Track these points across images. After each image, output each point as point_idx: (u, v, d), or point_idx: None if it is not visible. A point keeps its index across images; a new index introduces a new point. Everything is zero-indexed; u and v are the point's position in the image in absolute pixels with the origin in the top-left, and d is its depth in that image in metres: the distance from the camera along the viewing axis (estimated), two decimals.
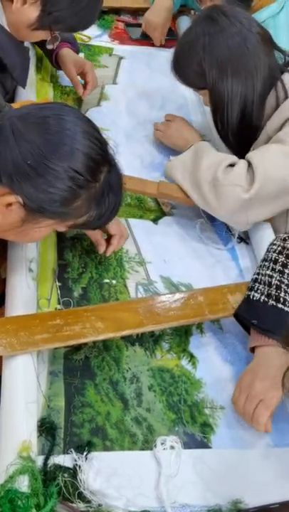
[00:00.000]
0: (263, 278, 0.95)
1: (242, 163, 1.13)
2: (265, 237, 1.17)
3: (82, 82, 1.48)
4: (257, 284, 0.96)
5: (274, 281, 0.93)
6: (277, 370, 0.86)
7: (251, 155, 1.15)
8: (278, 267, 0.95)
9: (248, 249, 1.20)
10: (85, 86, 1.47)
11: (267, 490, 0.83)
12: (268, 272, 0.95)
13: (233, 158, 1.17)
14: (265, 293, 0.93)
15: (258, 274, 0.97)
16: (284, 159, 1.11)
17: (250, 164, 1.13)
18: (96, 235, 1.08)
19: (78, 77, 1.46)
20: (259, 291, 0.94)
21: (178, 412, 0.91)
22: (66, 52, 1.46)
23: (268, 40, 1.20)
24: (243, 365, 0.99)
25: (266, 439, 0.90)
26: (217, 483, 0.83)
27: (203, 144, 1.25)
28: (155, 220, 1.24)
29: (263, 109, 1.20)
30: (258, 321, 0.92)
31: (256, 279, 0.97)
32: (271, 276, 0.94)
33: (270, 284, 0.93)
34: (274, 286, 0.93)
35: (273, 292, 0.92)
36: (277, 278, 0.93)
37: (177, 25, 1.89)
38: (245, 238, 1.23)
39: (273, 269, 0.95)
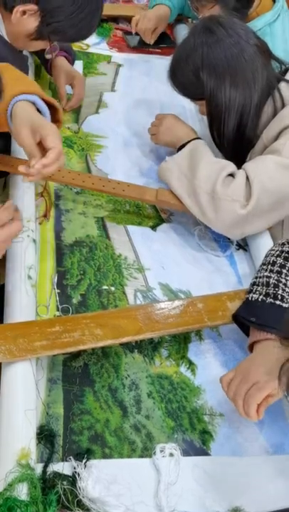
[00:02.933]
0: (260, 280, 0.96)
1: (241, 176, 1.12)
2: (264, 244, 1.18)
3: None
4: (255, 287, 0.96)
5: (272, 281, 0.93)
6: (275, 361, 0.83)
7: (247, 167, 1.14)
8: (276, 268, 0.95)
9: (247, 256, 1.21)
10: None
11: (266, 497, 0.83)
12: (266, 274, 0.95)
13: (231, 166, 1.16)
14: (263, 293, 0.93)
15: (256, 277, 0.98)
16: (280, 171, 1.11)
17: (247, 177, 1.12)
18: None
19: (66, 89, 1.46)
20: (257, 292, 0.94)
21: (177, 419, 0.91)
22: (60, 62, 1.46)
23: (265, 51, 1.21)
24: None
25: (265, 446, 0.90)
26: (216, 491, 0.83)
27: (198, 143, 1.23)
28: (154, 227, 1.24)
29: (259, 119, 1.21)
30: (256, 318, 0.91)
31: (254, 282, 0.97)
32: (269, 277, 0.94)
33: (268, 284, 0.94)
34: (272, 285, 0.93)
35: (271, 291, 0.92)
36: (275, 278, 0.94)
37: (175, 33, 1.91)
38: (243, 245, 1.23)
39: (271, 271, 0.95)
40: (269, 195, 1.10)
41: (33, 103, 1.01)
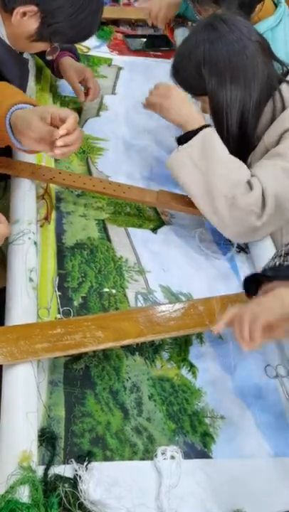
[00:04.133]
0: (278, 253, 0.91)
1: (258, 188, 1.10)
2: (264, 246, 1.18)
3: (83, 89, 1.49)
4: (272, 261, 0.91)
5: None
6: (286, 298, 0.81)
7: (259, 175, 1.12)
8: None
9: (248, 259, 1.21)
10: (87, 93, 1.48)
11: (268, 500, 0.83)
12: (284, 249, 0.91)
13: (246, 171, 1.14)
14: (283, 256, 0.88)
15: (273, 258, 0.92)
16: (287, 177, 1.11)
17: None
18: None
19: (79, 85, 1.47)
20: (276, 259, 0.89)
21: (178, 422, 0.91)
22: (67, 60, 1.47)
23: (266, 49, 1.22)
24: (243, 374, 0.99)
25: (266, 448, 0.90)
26: (218, 493, 0.83)
27: (210, 134, 1.18)
28: (154, 229, 1.24)
29: (259, 118, 1.21)
30: (273, 272, 0.87)
31: (270, 262, 0.92)
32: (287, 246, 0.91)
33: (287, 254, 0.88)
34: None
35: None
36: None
37: (175, 36, 1.91)
38: (244, 248, 1.23)
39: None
40: (278, 203, 1.11)
41: None
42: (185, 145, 1.18)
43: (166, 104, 1.23)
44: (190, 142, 1.17)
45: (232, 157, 1.16)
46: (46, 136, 0.99)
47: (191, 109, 1.22)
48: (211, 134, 1.18)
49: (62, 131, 0.96)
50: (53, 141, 0.98)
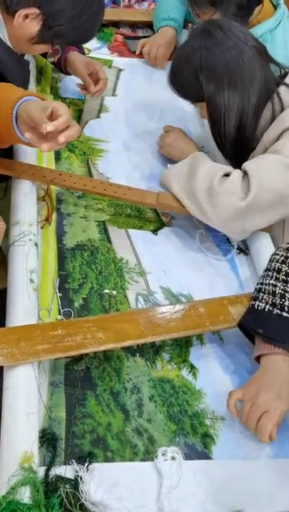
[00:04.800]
0: (266, 288, 0.96)
1: (237, 173, 1.15)
2: (264, 247, 1.18)
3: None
4: (261, 294, 0.96)
5: (278, 291, 0.94)
6: (283, 380, 0.87)
7: (247, 164, 1.16)
8: (282, 277, 0.95)
9: (248, 260, 1.21)
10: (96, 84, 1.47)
11: (268, 501, 0.83)
12: (272, 282, 0.96)
13: (229, 168, 1.18)
14: (270, 302, 0.93)
15: (262, 283, 0.98)
16: (280, 170, 1.12)
17: (245, 173, 1.14)
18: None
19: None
20: (263, 300, 0.95)
21: (179, 423, 0.91)
22: (75, 55, 1.48)
23: (263, 54, 1.22)
24: (243, 375, 0.99)
25: (266, 450, 0.90)
26: (218, 494, 0.83)
27: (200, 154, 1.26)
28: (155, 231, 1.24)
29: (258, 121, 1.21)
30: (263, 330, 0.92)
31: (260, 288, 0.98)
32: (275, 286, 0.95)
33: (274, 294, 0.94)
34: (278, 296, 0.93)
35: (278, 301, 0.93)
36: (281, 287, 0.94)
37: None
38: (244, 249, 1.24)
39: (277, 279, 0.95)
40: (268, 192, 1.11)
41: None
42: (175, 164, 1.28)
43: (167, 142, 1.38)
44: (180, 162, 1.27)
45: (217, 164, 1.21)
46: (37, 125, 0.97)
47: (188, 144, 1.35)
48: (200, 155, 1.25)
49: (50, 127, 0.94)
50: (41, 133, 0.96)
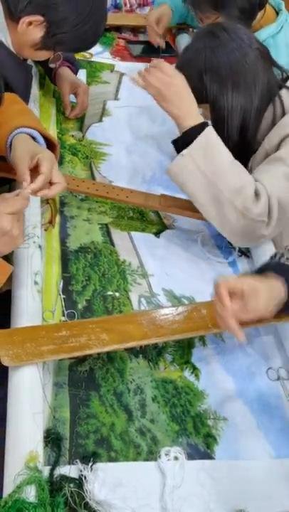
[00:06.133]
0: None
1: (264, 196, 1.10)
2: (266, 250, 1.19)
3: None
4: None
5: None
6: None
7: (261, 179, 1.13)
8: None
9: (249, 263, 1.22)
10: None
11: (270, 501, 0.84)
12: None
13: (252, 179, 1.13)
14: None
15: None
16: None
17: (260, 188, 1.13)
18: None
19: (70, 97, 1.50)
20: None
21: (181, 423, 0.92)
22: (64, 71, 1.50)
23: (266, 57, 1.23)
24: (244, 376, 1.00)
25: (268, 450, 0.91)
26: (220, 494, 0.84)
27: (211, 136, 1.13)
28: (157, 233, 1.25)
29: (260, 123, 1.22)
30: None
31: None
32: None
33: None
34: None
35: None
36: None
37: (177, 42, 1.94)
38: (246, 252, 1.25)
39: None
40: (280, 208, 1.12)
41: (34, 138, 1.03)
42: (186, 150, 1.12)
43: (167, 94, 1.13)
44: (192, 146, 1.11)
45: (235, 161, 1.15)
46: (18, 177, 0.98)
47: (190, 104, 1.14)
48: (213, 136, 1.13)
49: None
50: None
